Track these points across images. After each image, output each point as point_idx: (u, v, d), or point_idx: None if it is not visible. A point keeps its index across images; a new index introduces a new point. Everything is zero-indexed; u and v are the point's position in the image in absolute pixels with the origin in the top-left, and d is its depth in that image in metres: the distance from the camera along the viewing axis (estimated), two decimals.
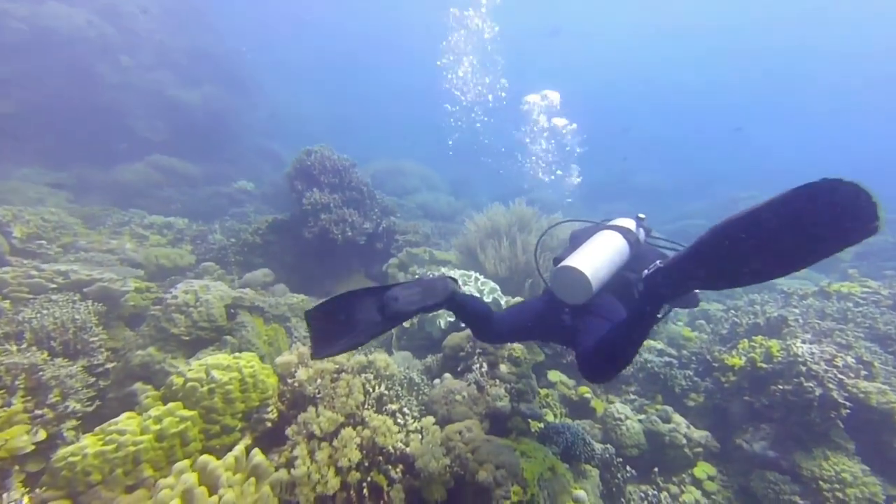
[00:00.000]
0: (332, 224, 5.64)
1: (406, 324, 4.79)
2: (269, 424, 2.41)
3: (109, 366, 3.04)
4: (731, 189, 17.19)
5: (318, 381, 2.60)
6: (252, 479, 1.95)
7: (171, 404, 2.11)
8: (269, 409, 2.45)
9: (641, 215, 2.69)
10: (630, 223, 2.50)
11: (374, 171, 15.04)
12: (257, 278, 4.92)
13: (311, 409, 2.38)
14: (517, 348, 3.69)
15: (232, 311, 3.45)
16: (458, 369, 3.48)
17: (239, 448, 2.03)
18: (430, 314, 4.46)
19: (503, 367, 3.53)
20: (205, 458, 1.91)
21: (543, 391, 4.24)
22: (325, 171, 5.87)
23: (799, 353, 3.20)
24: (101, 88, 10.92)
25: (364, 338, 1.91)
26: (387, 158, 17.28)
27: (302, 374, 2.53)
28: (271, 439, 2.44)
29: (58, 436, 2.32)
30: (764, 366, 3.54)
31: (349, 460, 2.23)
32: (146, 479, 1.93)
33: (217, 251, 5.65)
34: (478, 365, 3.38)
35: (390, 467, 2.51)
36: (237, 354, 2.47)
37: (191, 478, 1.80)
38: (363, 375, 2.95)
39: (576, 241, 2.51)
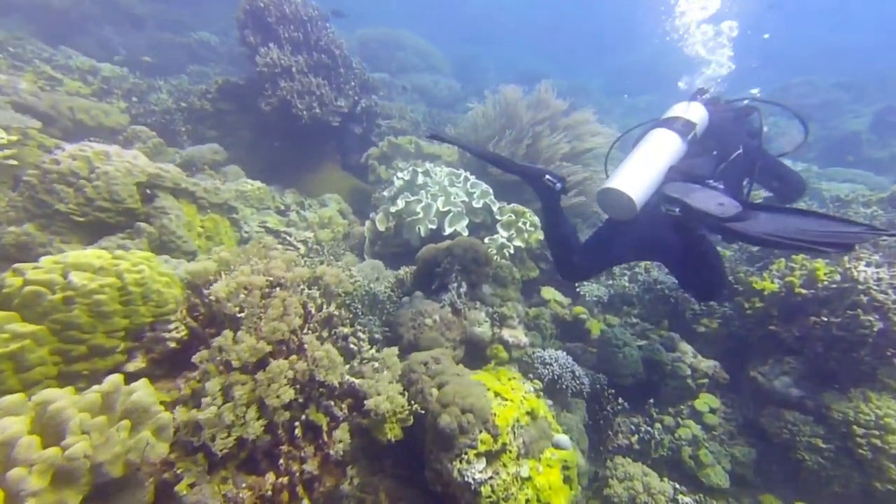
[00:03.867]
0: (295, 95, 4.65)
1: (381, 227, 4.19)
2: (172, 345, 1.92)
3: None
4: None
5: (242, 297, 2.05)
6: (125, 423, 1.48)
7: None
8: (173, 325, 1.93)
9: (704, 89, 2.55)
10: (681, 109, 2.38)
11: (363, 38, 13.00)
12: (203, 155, 4.15)
13: (229, 332, 1.86)
14: (504, 265, 3.12)
15: (148, 191, 2.78)
16: (433, 287, 2.96)
17: (112, 380, 1.52)
18: (413, 217, 3.81)
19: (486, 288, 3.01)
20: (47, 392, 1.40)
21: (534, 311, 3.82)
22: (284, 21, 4.64)
23: (861, 278, 2.64)
24: None
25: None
26: (381, 25, 14.84)
27: (220, 287, 1.97)
28: (180, 362, 1.96)
29: None
30: (803, 292, 3.01)
31: (279, 398, 1.78)
32: None
33: (160, 115, 4.71)
34: (455, 284, 2.85)
35: (333, 403, 2.11)
36: (120, 253, 1.87)
37: (14, 423, 1.31)
38: (306, 293, 2.40)
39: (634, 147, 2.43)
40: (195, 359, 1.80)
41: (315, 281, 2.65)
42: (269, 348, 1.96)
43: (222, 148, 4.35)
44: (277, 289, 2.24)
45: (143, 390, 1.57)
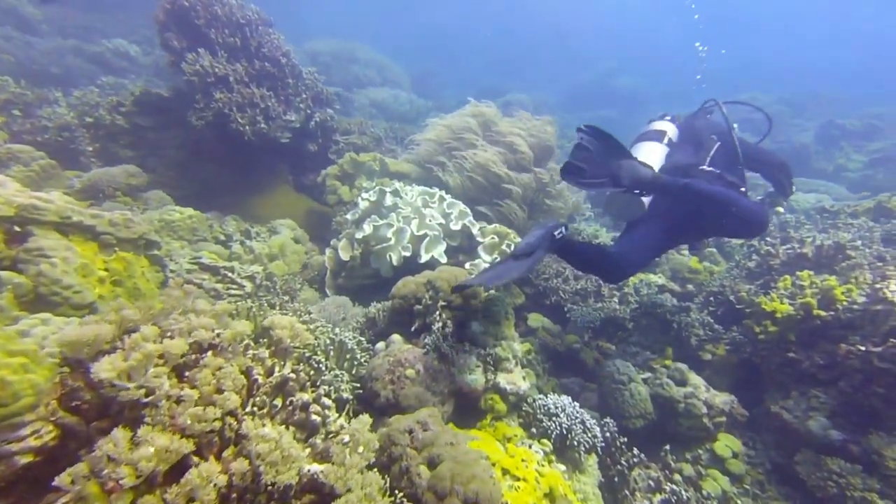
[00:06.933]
0: (234, 108, 4.10)
1: (345, 256, 3.69)
2: (24, 460, 1.32)
3: None
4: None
5: (149, 375, 1.48)
6: None
7: None
8: (28, 429, 1.33)
9: (666, 115, 3.01)
10: (648, 126, 2.96)
11: (312, 51, 12.54)
12: (114, 178, 3.47)
13: (122, 430, 1.29)
14: (496, 298, 2.72)
15: (18, 228, 2.14)
16: (413, 329, 2.49)
17: None
18: (383, 244, 3.35)
19: (476, 326, 2.57)
20: None
21: (525, 345, 3.43)
22: (217, 23, 4.10)
23: None
24: None
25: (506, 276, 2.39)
26: (334, 38, 14.42)
27: (107, 365, 1.38)
28: (47, 480, 1.35)
29: None
30: (822, 314, 2.80)
31: None
32: None
33: (55, 132, 3.96)
34: (439, 324, 2.39)
35: None
36: None
37: None
38: (251, 353, 1.86)
39: None
40: (60, 480, 1.19)
41: (263, 333, 2.12)
42: (190, 446, 1.41)
43: (141, 170, 3.69)
44: (207, 354, 1.70)
45: None
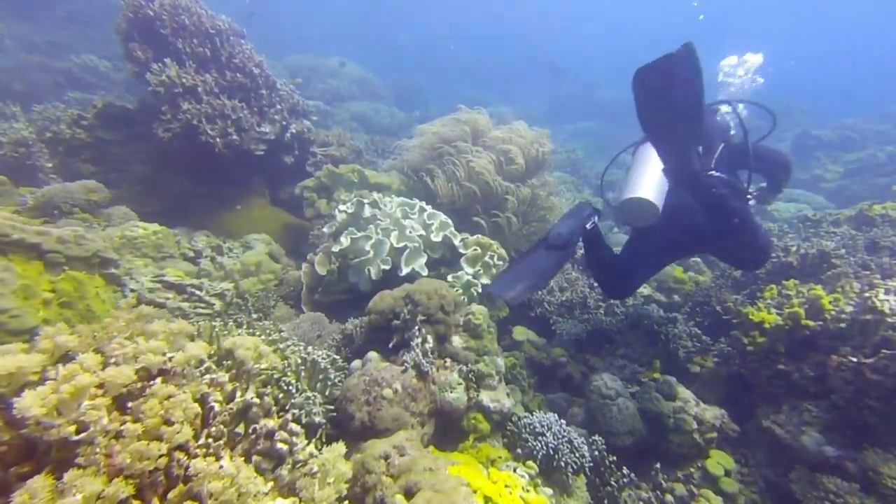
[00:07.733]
0: (204, 120, 3.96)
1: (322, 270, 3.56)
2: None
3: None
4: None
5: (84, 408, 1.32)
6: None
7: None
8: None
9: None
10: None
11: (292, 66, 12.51)
12: (72, 194, 3.29)
13: (40, 478, 1.13)
14: (478, 312, 2.62)
15: None
16: (391, 345, 2.37)
17: None
18: (361, 257, 3.23)
19: (457, 341, 2.46)
20: None
21: (509, 359, 3.32)
22: (184, 32, 3.97)
23: (887, 309, 2.39)
24: None
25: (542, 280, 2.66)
26: (312, 53, 14.41)
27: (34, 399, 1.23)
28: None
29: None
30: (811, 324, 2.76)
31: None
32: None
33: (10, 148, 3.76)
34: (419, 339, 2.27)
35: None
36: None
37: None
38: (208, 378, 1.71)
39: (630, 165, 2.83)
40: None
41: (227, 356, 1.97)
42: (129, 490, 1.25)
43: (103, 185, 3.51)
44: (156, 381, 1.54)
45: None
